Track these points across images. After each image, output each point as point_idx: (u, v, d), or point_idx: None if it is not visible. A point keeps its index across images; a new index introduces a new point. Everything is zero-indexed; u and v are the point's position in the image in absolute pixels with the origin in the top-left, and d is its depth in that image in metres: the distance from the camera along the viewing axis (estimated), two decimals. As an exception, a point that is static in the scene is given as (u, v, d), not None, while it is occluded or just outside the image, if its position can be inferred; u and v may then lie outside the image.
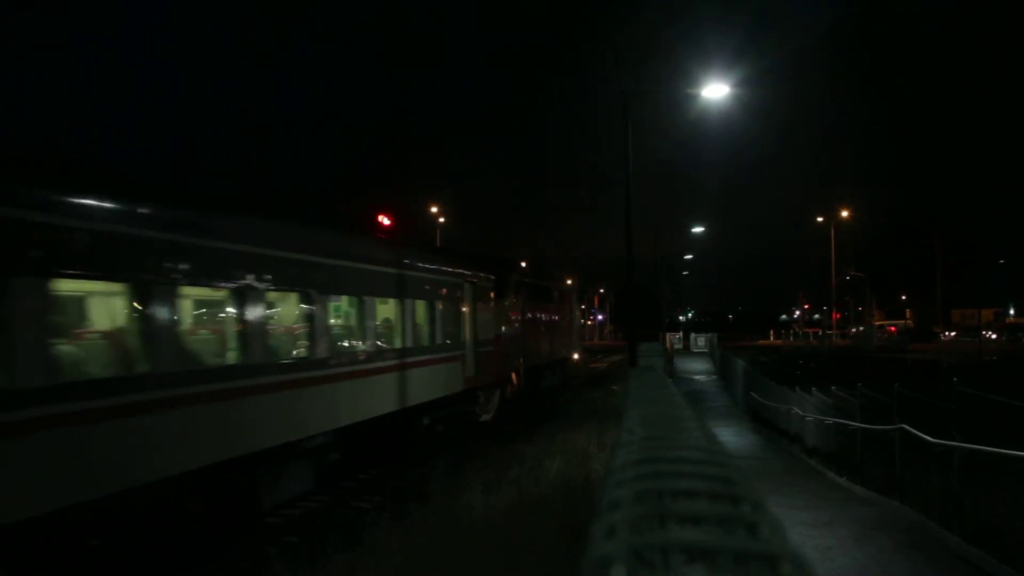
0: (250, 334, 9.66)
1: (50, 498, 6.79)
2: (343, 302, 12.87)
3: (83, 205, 7.48)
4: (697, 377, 40.29)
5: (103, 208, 7.74)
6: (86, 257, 7.43)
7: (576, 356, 33.96)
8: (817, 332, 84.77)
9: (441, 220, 51.32)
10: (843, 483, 12.70)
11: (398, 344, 14.03)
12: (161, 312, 8.21)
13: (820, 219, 71.33)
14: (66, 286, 7.72)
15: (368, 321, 12.91)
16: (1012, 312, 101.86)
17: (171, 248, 8.42)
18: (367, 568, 6.86)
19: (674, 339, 65.82)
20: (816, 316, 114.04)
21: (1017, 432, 7.45)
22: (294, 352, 11.16)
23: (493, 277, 20.14)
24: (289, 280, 10.86)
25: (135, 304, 8.04)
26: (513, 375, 22.32)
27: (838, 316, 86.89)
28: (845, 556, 7.49)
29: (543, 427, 16.87)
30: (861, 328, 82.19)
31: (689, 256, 79.04)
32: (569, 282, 33.78)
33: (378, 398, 13.05)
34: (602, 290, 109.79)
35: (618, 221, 18.26)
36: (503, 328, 20.96)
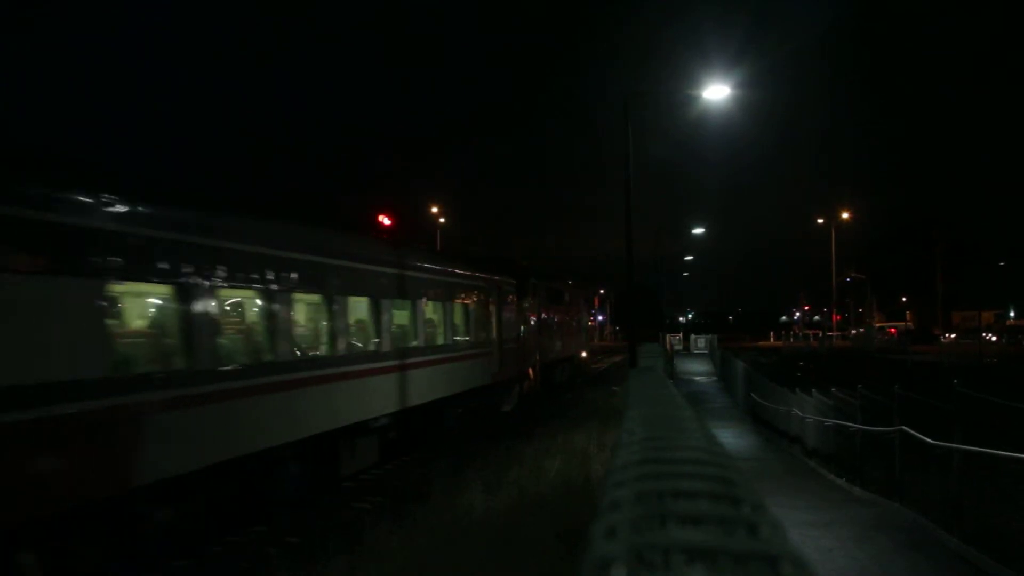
0: (338, 331, 11.77)
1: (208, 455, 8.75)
2: (399, 304, 14.47)
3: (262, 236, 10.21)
4: (697, 378, 40.29)
5: (276, 238, 10.55)
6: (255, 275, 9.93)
7: (584, 354, 35.46)
8: (817, 334, 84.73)
9: (441, 220, 51.32)
10: (843, 484, 12.70)
11: (440, 341, 15.96)
12: (284, 313, 10.45)
13: (820, 220, 71.37)
14: (234, 294, 10.05)
15: (419, 321, 14.87)
16: (1012, 315, 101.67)
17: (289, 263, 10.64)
18: (367, 569, 6.86)
19: (674, 340, 65.78)
20: (816, 318, 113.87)
21: (1017, 434, 7.45)
22: (366, 347, 12.95)
23: (514, 281, 21.64)
24: (363, 287, 12.86)
25: (267, 308, 10.24)
26: (530, 371, 23.84)
27: (839, 318, 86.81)
28: (845, 557, 7.50)
29: (547, 425, 16.88)
30: (861, 330, 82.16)
31: (689, 257, 79.08)
32: (570, 282, 34.40)
33: (423, 388, 14.77)
34: (602, 291, 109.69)
35: (618, 221, 18.32)
36: (522, 328, 22.59)
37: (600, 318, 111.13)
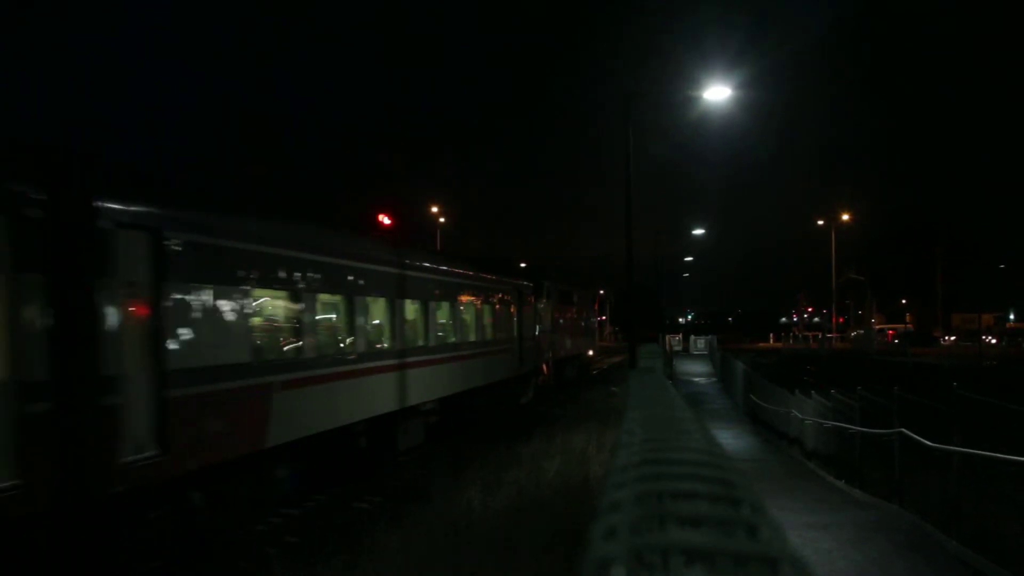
0: (396, 328, 13.99)
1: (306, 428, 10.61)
2: (442, 305, 16.67)
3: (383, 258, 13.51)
4: (696, 379, 40.25)
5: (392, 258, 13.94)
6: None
7: (591, 352, 37.45)
8: (817, 335, 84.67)
9: (441, 220, 51.33)
10: (842, 486, 12.69)
11: (473, 339, 18.34)
12: (362, 312, 12.73)
13: (820, 222, 71.39)
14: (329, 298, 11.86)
15: (457, 320, 17.35)
16: (1012, 317, 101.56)
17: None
18: (366, 569, 6.86)
19: (673, 341, 65.70)
20: (816, 319, 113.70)
21: (1016, 436, 7.45)
22: (418, 342, 15.10)
23: (531, 284, 23.61)
24: (415, 291, 14.89)
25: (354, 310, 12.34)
26: (544, 366, 25.91)
27: (841, 319, 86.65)
28: (844, 559, 7.49)
29: (550, 426, 16.87)
30: (860, 332, 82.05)
31: (689, 258, 78.99)
32: (577, 284, 35.91)
33: (459, 379, 17.19)
34: (602, 291, 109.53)
35: (618, 221, 18.44)
36: (538, 327, 24.59)
37: (602, 318, 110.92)
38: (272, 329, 10.78)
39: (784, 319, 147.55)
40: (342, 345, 12.23)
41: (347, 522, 9.88)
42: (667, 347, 47.72)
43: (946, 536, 8.12)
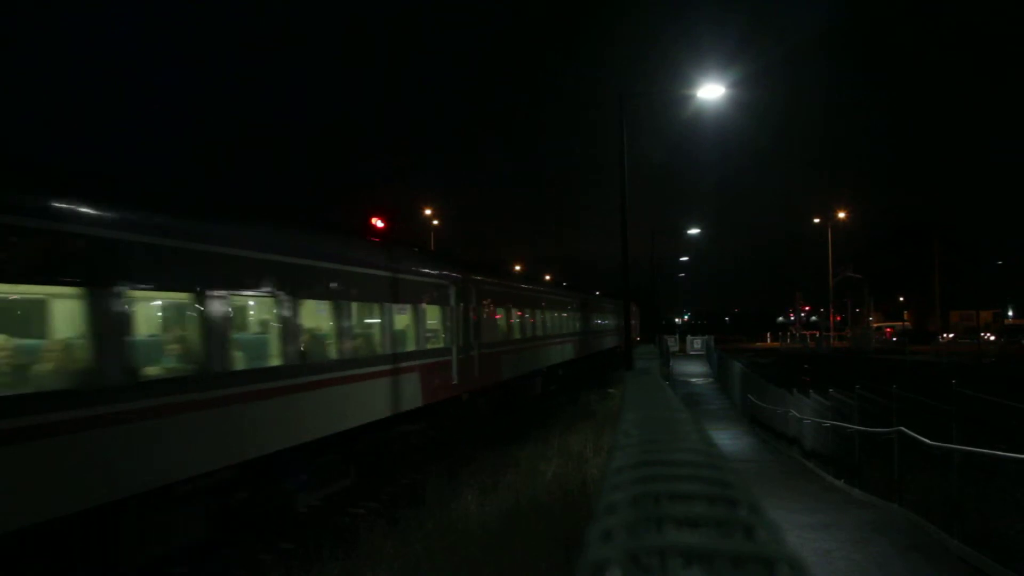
0: (593, 321, 39.17)
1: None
2: (605, 312, 43.59)
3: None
4: (694, 380, 40.24)
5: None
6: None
7: (638, 339, 57.18)
8: (815, 334, 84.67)
9: (435, 223, 51.60)
10: (842, 486, 12.66)
11: (601, 329, 41.34)
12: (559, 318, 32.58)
13: (817, 220, 71.48)
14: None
15: (607, 320, 43.90)
16: (1011, 314, 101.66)
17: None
18: (362, 575, 6.81)
19: (670, 341, 65.65)
20: (814, 318, 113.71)
21: (1017, 434, 7.42)
22: (597, 327, 40.06)
23: (616, 301, 44.74)
24: (598, 309, 41.59)
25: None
26: (620, 344, 46.08)
27: (839, 318, 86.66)
28: (844, 559, 7.46)
29: (547, 426, 16.85)
30: (858, 330, 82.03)
31: (685, 258, 78.89)
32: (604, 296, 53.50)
33: (603, 343, 41.84)
34: (598, 292, 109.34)
35: (615, 222, 18.67)
36: (618, 323, 45.49)
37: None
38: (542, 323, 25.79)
39: (781, 318, 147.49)
40: (596, 329, 38.43)
41: (343, 527, 9.81)
42: (664, 348, 47.86)
43: (947, 535, 8.09)
